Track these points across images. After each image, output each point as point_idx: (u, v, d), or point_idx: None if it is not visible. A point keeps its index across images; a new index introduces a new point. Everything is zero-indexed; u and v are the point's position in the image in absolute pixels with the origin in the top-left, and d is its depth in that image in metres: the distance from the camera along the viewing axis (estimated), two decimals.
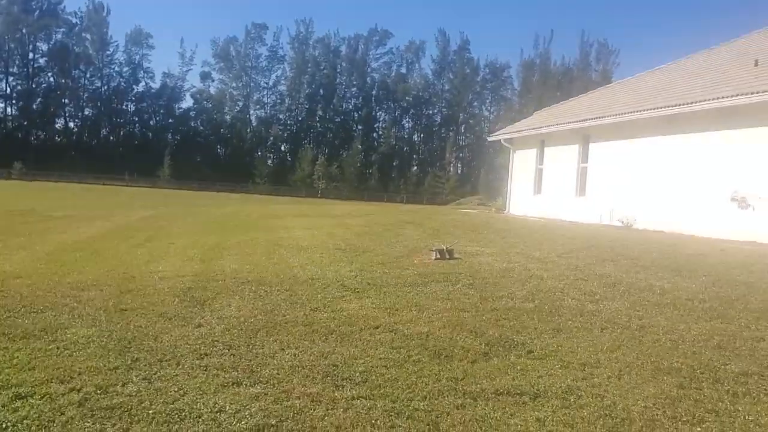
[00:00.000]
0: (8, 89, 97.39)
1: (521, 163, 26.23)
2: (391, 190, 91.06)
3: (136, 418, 4.17)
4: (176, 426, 4.08)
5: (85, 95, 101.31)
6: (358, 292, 8.26)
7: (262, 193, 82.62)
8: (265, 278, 9.26)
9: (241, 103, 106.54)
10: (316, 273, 9.79)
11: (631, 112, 18.24)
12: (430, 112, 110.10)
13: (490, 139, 29.51)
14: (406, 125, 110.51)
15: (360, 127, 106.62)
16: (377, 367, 5.20)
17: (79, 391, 4.64)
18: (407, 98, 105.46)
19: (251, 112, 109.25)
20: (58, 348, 5.68)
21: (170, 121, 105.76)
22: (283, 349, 5.71)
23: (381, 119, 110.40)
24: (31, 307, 7.25)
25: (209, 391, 4.66)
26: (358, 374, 5.02)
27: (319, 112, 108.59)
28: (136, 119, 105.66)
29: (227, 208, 32.06)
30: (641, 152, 18.12)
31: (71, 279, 9.23)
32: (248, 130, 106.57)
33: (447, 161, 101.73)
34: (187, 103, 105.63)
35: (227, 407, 4.34)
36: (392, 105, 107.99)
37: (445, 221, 20.30)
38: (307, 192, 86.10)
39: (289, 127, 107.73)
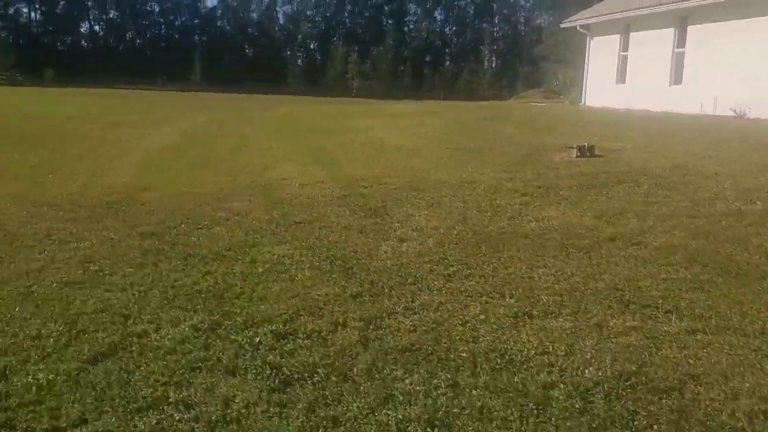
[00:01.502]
0: None
1: (600, 51, 24.49)
2: (425, 87, 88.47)
3: (446, 365, 3.36)
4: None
5: None
6: (536, 197, 7.35)
7: (296, 93, 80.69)
8: (411, 183, 8.38)
9: (267, 0, 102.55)
10: (459, 176, 8.90)
11: None
12: (463, 2, 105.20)
13: (563, 26, 27.48)
14: (438, 18, 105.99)
15: (390, 21, 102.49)
16: (675, 290, 4.31)
17: (344, 326, 3.85)
18: None
19: (278, 9, 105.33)
20: (271, 271, 4.90)
21: (196, 21, 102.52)
22: (531, 268, 4.85)
23: (412, 12, 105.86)
24: (194, 223, 6.48)
25: (505, 325, 3.82)
26: (661, 300, 4.14)
27: (348, 7, 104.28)
28: (161, 20, 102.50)
29: (279, 110, 30.83)
30: (760, 32, 16.44)
31: (201, 190, 8.45)
32: (276, 28, 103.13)
33: (483, 55, 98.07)
34: (212, 1, 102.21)
35: (561, 350, 3.51)
36: None
37: (531, 115, 19.11)
38: (341, 91, 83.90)
39: (317, 24, 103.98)
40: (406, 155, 11.61)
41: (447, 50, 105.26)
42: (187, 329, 3.77)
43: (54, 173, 9.85)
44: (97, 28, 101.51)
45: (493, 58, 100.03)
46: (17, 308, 4.13)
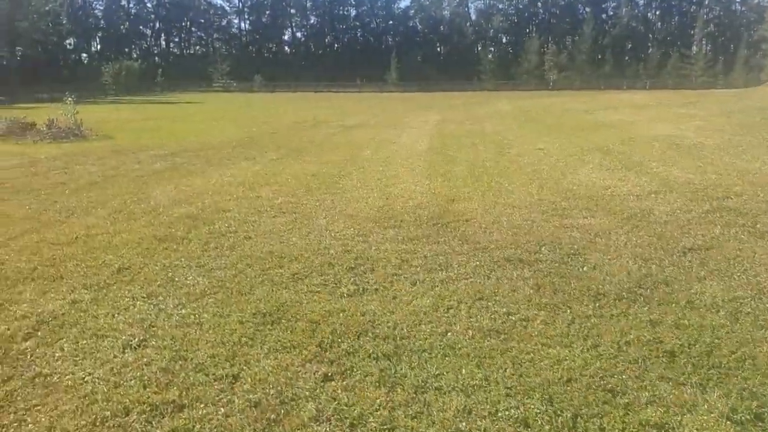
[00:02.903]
0: (240, 4, 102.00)
1: None
2: (628, 76, 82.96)
3: None
4: None
5: (308, 3, 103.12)
6: None
7: (489, 89, 79.26)
8: None
9: None
10: None
11: None
12: None
13: None
14: (640, 2, 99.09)
15: (587, 9, 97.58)
16: None
17: None
18: None
19: (470, 4, 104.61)
20: None
21: (390, 22, 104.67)
22: None
23: None
24: (559, 246, 5.40)
25: None
26: None
27: None
28: (358, 24, 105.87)
29: (496, 105, 29.71)
30: None
31: (517, 200, 7.39)
32: (468, 24, 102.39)
33: (692, 40, 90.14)
34: (405, 2, 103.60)
35: None
36: None
37: None
38: (536, 85, 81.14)
39: (509, 17, 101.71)
40: (715, 152, 9.90)
41: (650, 36, 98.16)
42: None
43: (348, 184, 9.42)
44: (299, 34, 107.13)
45: (704, 43, 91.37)
46: None
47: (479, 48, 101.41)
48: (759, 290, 4.31)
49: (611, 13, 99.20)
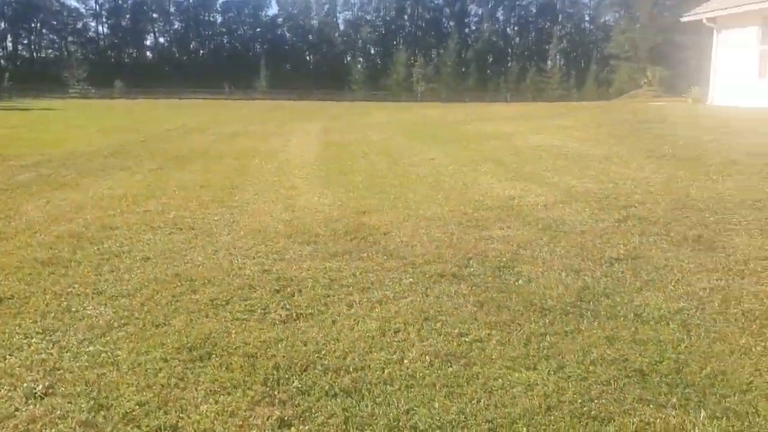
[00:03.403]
0: (97, 6, 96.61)
1: (730, 46, 22.62)
2: (490, 89, 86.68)
3: None
4: None
5: (172, 8, 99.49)
6: None
7: (360, 99, 79.79)
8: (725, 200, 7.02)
9: (327, 6, 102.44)
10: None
11: None
12: (525, 2, 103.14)
13: (684, 19, 25.62)
14: (500, 17, 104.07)
15: (451, 23, 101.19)
16: None
17: None
18: None
19: (338, 14, 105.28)
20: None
21: (258, 30, 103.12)
22: None
23: (473, 13, 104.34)
24: (495, 263, 5.26)
25: None
26: None
27: (408, 10, 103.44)
28: (224, 30, 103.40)
29: (375, 116, 29.82)
30: None
31: (426, 213, 7.24)
32: (336, 34, 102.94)
33: (547, 54, 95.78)
34: (273, 10, 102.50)
35: None
36: None
37: (679, 117, 17.41)
38: (406, 96, 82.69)
39: (377, 29, 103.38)
40: (601, 162, 10.29)
41: (510, 50, 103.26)
42: None
43: (241, 194, 8.87)
44: (162, 39, 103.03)
45: (558, 58, 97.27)
46: None
47: (348, 58, 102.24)
48: (699, 301, 4.33)
49: (474, 27, 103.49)
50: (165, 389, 3.27)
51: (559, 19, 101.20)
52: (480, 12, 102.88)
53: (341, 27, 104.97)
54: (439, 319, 4.17)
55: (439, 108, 37.63)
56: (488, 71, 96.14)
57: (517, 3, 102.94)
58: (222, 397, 3.20)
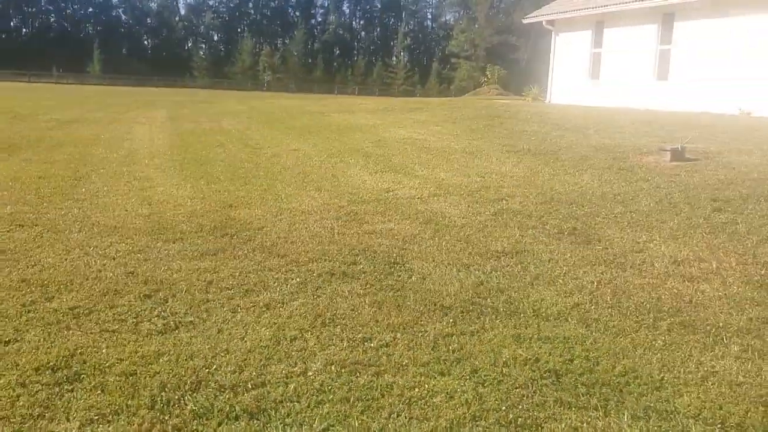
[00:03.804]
0: None
1: (567, 48, 24.11)
2: (338, 81, 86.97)
3: None
4: None
5: None
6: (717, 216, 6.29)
7: (204, 87, 76.95)
8: (565, 197, 7.21)
9: None
10: (557, 186, 7.79)
11: None
12: None
13: (526, 21, 26.91)
14: (346, 11, 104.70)
15: (297, 13, 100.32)
16: None
17: None
18: None
19: None
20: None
21: (90, 10, 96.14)
22: None
23: (319, 4, 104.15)
24: (384, 258, 5.05)
25: None
26: None
27: None
28: (51, 8, 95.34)
29: (228, 104, 28.68)
30: (762, 31, 16.38)
31: (298, 206, 6.92)
32: (177, 18, 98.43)
33: (393, 50, 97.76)
34: None
35: None
36: None
37: (527, 113, 18.22)
38: (252, 85, 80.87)
39: (221, 15, 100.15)
40: (464, 156, 10.44)
41: (356, 44, 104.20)
42: None
43: (86, 189, 7.97)
44: None
45: (403, 54, 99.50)
46: None
47: (190, 44, 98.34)
48: (592, 295, 4.34)
49: (320, 19, 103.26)
50: (28, 421, 2.69)
51: (403, 16, 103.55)
52: (326, 4, 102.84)
53: (182, 11, 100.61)
54: (337, 323, 3.85)
55: (292, 98, 37.01)
56: (335, 64, 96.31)
57: None
58: (104, 427, 2.67)
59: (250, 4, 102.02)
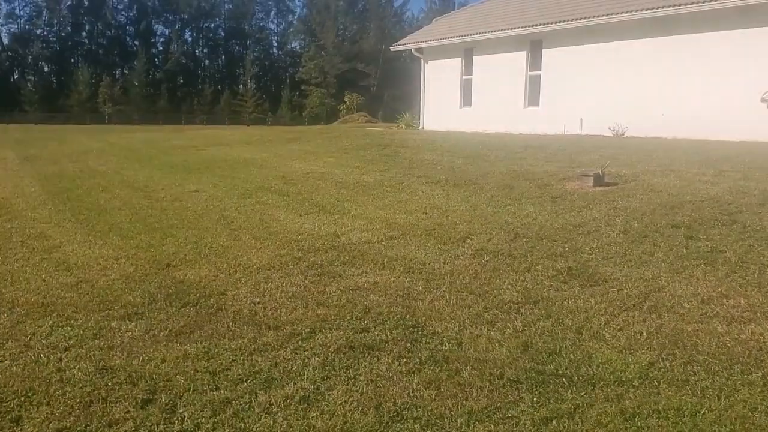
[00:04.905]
0: None
1: (438, 75, 24.49)
2: (184, 111, 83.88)
3: None
4: None
5: None
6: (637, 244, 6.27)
7: (37, 122, 71.06)
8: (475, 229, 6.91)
9: None
10: (501, 219, 7.59)
11: (610, 14, 17.35)
12: (213, 24, 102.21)
13: (394, 49, 27.00)
14: (189, 39, 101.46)
15: (137, 42, 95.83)
16: None
17: None
18: (189, 10, 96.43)
19: (1, 28, 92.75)
20: None
21: None
22: None
23: (159, 33, 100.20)
24: (399, 323, 4.44)
25: None
26: None
27: (87, 27, 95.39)
28: None
29: (80, 142, 26.28)
30: (629, 56, 17.44)
31: (266, 258, 6.15)
32: (0, 49, 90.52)
33: (245, 78, 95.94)
34: None
35: None
36: (171, 17, 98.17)
37: (413, 141, 18.17)
38: (92, 118, 75.79)
39: (51, 45, 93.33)
40: (385, 189, 9.97)
41: (200, 72, 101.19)
42: None
43: None
44: None
45: (251, 82, 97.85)
46: None
47: (16, 76, 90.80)
48: (656, 350, 3.94)
49: (161, 48, 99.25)
50: None
51: (248, 44, 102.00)
52: (167, 32, 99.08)
53: (5, 41, 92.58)
54: (406, 415, 3.19)
55: (147, 131, 34.72)
56: (179, 93, 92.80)
57: (204, 25, 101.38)
58: None
59: (84, 34, 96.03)
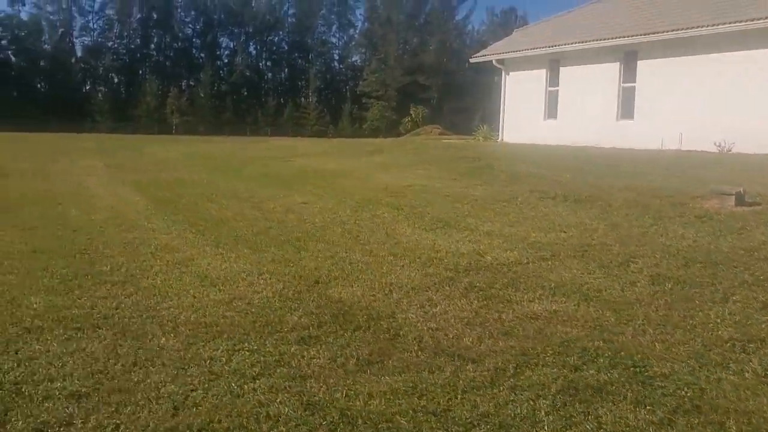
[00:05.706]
0: None
1: (520, 86, 23.89)
2: (249, 123, 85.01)
3: None
4: None
5: None
6: None
7: (108, 131, 72.94)
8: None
9: (61, 31, 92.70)
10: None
11: (715, 24, 16.45)
12: (276, 38, 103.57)
13: (473, 60, 26.57)
14: (253, 52, 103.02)
15: (203, 54, 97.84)
16: None
17: None
18: (253, 23, 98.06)
19: (75, 39, 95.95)
20: None
21: None
22: None
23: (224, 45, 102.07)
24: (613, 362, 3.88)
25: None
26: None
27: (155, 39, 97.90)
28: None
29: (159, 152, 26.61)
30: (735, 68, 16.50)
31: (393, 280, 5.69)
32: (73, 60, 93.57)
33: (307, 90, 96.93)
34: None
35: None
36: (236, 30, 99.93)
37: (503, 154, 17.63)
38: (160, 129, 77.45)
39: (121, 57, 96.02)
40: (503, 205, 9.43)
41: (264, 85, 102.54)
42: None
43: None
44: None
45: (311, 94, 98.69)
46: None
47: (88, 87, 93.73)
48: None
49: (226, 60, 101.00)
50: None
51: (310, 57, 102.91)
52: (232, 45, 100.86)
53: (79, 53, 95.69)
54: None
55: (222, 142, 35.03)
56: (244, 105, 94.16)
57: (268, 38, 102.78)
58: None
59: (152, 46, 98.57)
